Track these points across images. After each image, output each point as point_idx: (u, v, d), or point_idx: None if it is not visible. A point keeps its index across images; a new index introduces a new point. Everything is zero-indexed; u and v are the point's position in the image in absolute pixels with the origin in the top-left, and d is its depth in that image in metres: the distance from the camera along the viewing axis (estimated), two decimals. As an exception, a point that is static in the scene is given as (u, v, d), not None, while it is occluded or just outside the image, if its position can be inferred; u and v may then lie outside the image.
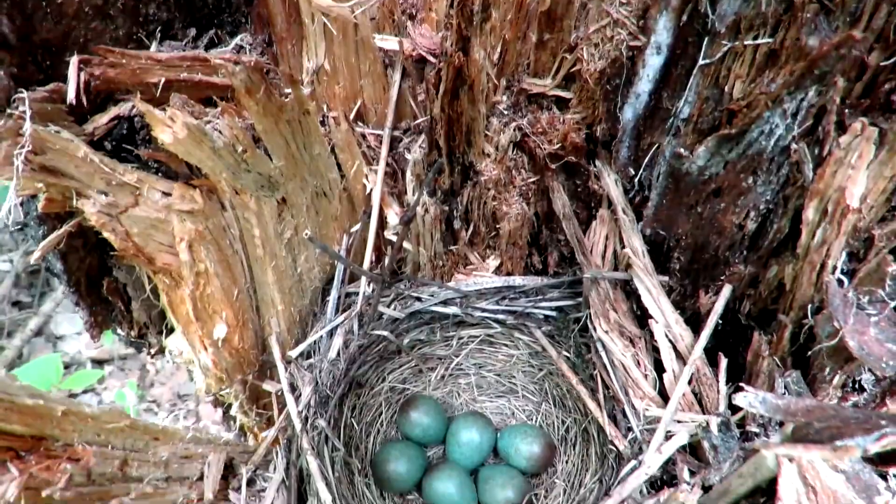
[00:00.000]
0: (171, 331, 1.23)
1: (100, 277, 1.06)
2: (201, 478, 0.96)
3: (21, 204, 0.88)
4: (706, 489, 0.87)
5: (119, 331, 1.19)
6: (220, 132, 0.85)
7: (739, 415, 0.91)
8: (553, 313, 1.15)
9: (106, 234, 0.88)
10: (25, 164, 0.74)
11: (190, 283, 1.01)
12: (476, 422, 1.22)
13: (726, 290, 0.96)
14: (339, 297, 1.23)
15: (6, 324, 3.24)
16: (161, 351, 1.25)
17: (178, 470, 0.93)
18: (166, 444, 0.94)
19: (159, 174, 0.95)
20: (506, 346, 1.26)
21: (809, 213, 0.76)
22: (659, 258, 1.03)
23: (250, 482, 1.04)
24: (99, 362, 3.28)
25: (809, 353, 0.86)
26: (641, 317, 1.07)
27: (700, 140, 0.84)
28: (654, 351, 1.04)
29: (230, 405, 1.35)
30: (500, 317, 1.16)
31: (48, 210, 0.84)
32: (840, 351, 0.80)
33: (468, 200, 1.07)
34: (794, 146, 0.72)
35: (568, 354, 1.12)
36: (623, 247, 1.02)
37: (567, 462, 1.18)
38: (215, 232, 1.00)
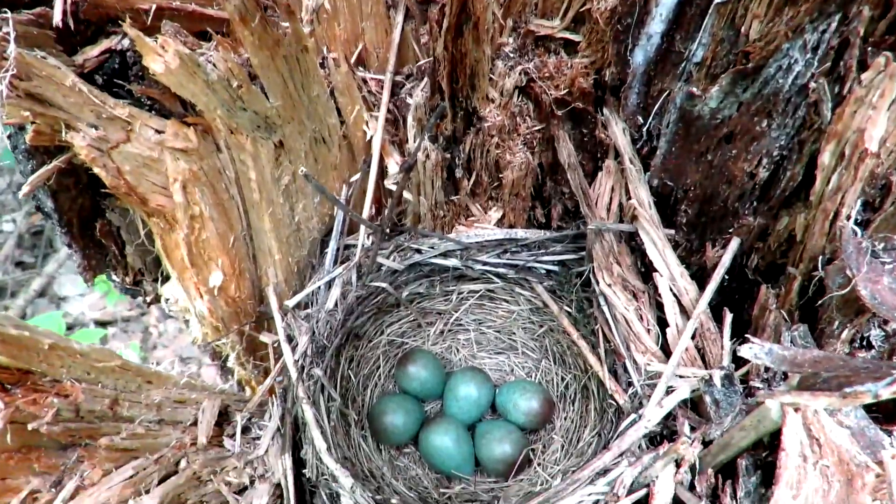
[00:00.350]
0: (166, 278, 1.21)
1: (92, 219, 1.03)
2: (195, 423, 0.95)
3: (9, 137, 0.86)
4: (706, 444, 0.85)
5: (114, 277, 1.17)
6: (214, 65, 0.82)
7: (743, 369, 0.89)
8: (555, 268, 1.13)
9: (96, 170, 0.85)
10: (10, 89, 0.71)
11: (184, 227, 0.99)
12: (474, 377, 1.20)
13: (734, 244, 0.93)
14: (337, 249, 1.21)
15: (9, 284, 3.24)
16: (157, 299, 1.23)
17: (171, 414, 0.92)
18: (159, 388, 0.93)
19: (152, 112, 0.92)
20: (506, 301, 1.24)
21: (825, 158, 0.72)
22: (665, 212, 1.01)
23: (245, 430, 1.03)
24: (102, 324, 3.29)
25: (818, 305, 0.84)
26: (645, 273, 1.05)
27: (713, 85, 0.80)
28: (658, 307, 1.02)
29: (227, 357, 1.35)
30: (501, 270, 1.14)
31: (36, 143, 0.81)
32: (850, 303, 0.78)
33: (471, 148, 1.04)
34: (812, 84, 0.69)
35: (569, 309, 1.10)
36: (629, 198, 1.00)
37: (566, 419, 1.16)
38: (210, 174, 0.97)
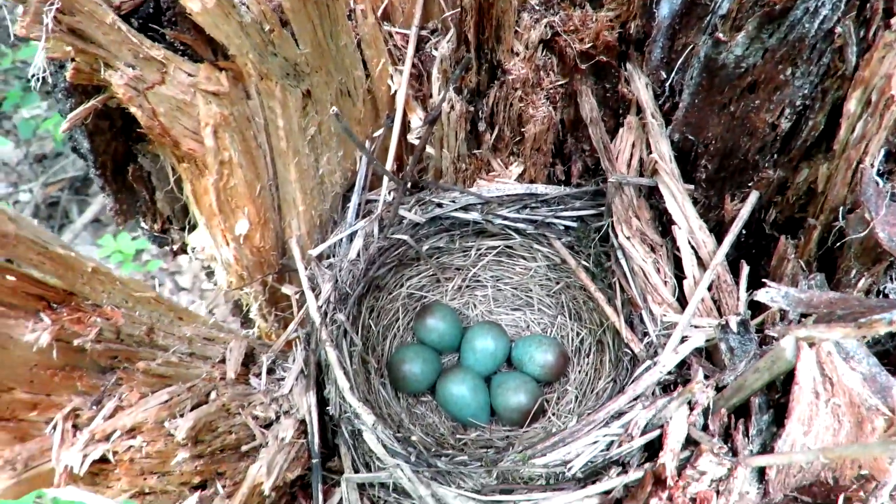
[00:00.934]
0: (193, 227, 1.24)
1: (125, 164, 1.06)
2: (223, 360, 0.98)
3: (50, 76, 0.88)
4: (719, 390, 0.88)
5: (143, 224, 1.20)
6: (248, 7, 0.84)
7: (759, 318, 0.91)
8: (573, 224, 1.15)
9: (133, 110, 0.88)
10: (55, 23, 0.74)
11: (214, 173, 1.02)
12: (491, 330, 1.23)
13: (753, 197, 0.95)
14: (359, 204, 1.23)
15: None
16: (183, 249, 1.26)
17: (202, 349, 0.95)
18: (189, 325, 0.96)
19: (185, 58, 0.94)
20: (524, 258, 1.27)
21: (851, 105, 0.74)
22: (685, 168, 1.02)
23: (270, 371, 1.07)
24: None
25: (836, 256, 0.86)
26: (664, 229, 1.07)
27: (739, 32, 0.81)
28: (675, 261, 1.04)
29: (249, 310, 1.38)
30: (521, 226, 1.16)
31: (76, 80, 0.84)
32: (868, 251, 0.80)
33: (494, 101, 1.06)
34: (839, 28, 0.70)
35: (587, 264, 1.12)
36: (650, 153, 1.01)
37: (580, 372, 1.19)
38: (240, 120, 1.00)
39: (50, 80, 0.87)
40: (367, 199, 1.24)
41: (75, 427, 0.76)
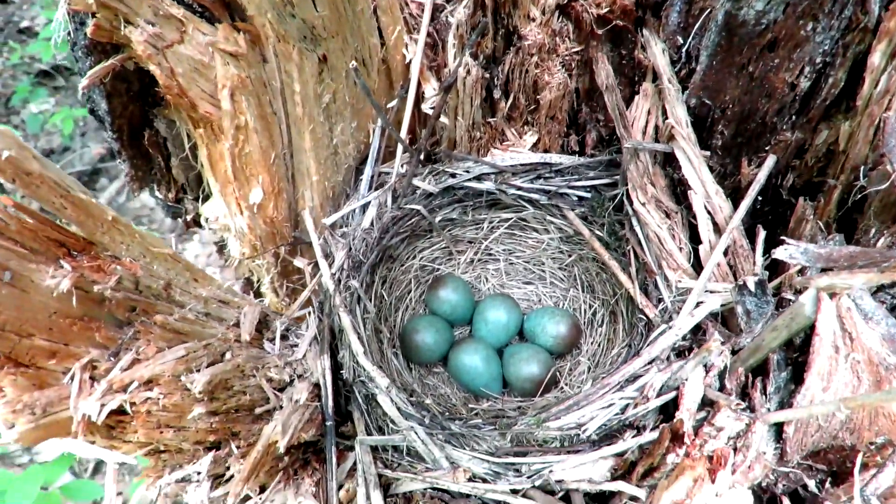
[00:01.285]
0: (206, 198, 1.24)
1: (141, 128, 1.06)
2: (237, 324, 0.99)
3: (69, 34, 0.89)
4: (735, 353, 0.87)
5: (157, 193, 1.20)
6: (266, -35, 0.84)
7: (775, 282, 0.91)
8: (587, 194, 1.14)
9: (152, 68, 0.88)
10: (76, -26, 0.74)
11: (230, 138, 1.02)
12: (504, 302, 1.23)
13: (770, 161, 0.94)
14: (372, 176, 1.23)
15: None
16: (196, 221, 1.26)
17: (217, 310, 0.95)
18: (205, 287, 0.96)
19: (203, 20, 0.95)
20: (536, 231, 1.26)
21: (875, 58, 0.73)
22: (701, 135, 1.02)
23: (283, 337, 1.07)
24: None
25: (854, 217, 0.85)
26: (678, 197, 1.06)
27: None
28: (690, 228, 1.03)
29: (260, 283, 1.38)
30: (534, 196, 1.16)
31: (96, 37, 0.84)
32: (888, 208, 0.79)
33: (510, 68, 1.06)
34: (862, -23, 0.70)
35: (601, 234, 1.12)
36: (666, 119, 1.01)
37: (592, 343, 1.19)
38: (257, 84, 1.00)
39: (70, 37, 0.87)
40: (380, 171, 1.24)
41: (92, 379, 0.76)
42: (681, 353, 0.95)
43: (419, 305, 1.29)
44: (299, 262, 1.25)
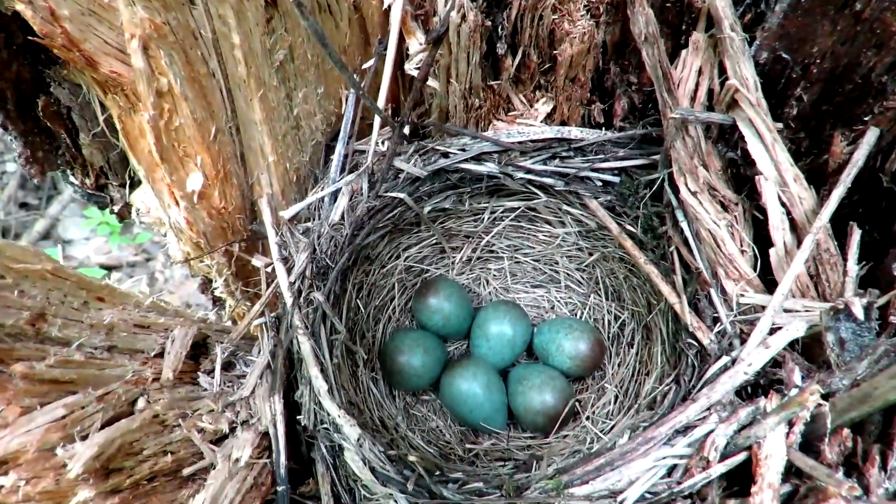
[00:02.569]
0: (137, 184, 1.00)
1: (34, 95, 0.81)
2: (161, 354, 0.75)
3: None
4: (826, 398, 0.64)
5: (72, 178, 0.96)
6: None
7: (881, 300, 0.67)
8: (615, 178, 0.90)
9: (20, 7, 0.63)
10: None
11: (150, 106, 0.77)
12: (509, 312, 0.99)
13: (871, 135, 0.70)
14: (346, 156, 0.99)
15: (12, 225, 3.10)
16: (127, 210, 1.02)
17: (129, 340, 0.71)
18: (114, 308, 0.72)
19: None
20: (549, 223, 1.02)
21: None
22: (769, 101, 0.77)
23: (227, 366, 0.83)
24: (108, 268, 3.14)
25: None
26: (738, 181, 0.82)
27: None
28: (754, 224, 0.79)
29: (215, 286, 1.15)
30: (547, 181, 0.92)
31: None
32: None
33: (518, 14, 0.80)
34: None
35: (633, 229, 0.88)
36: (724, 80, 0.76)
37: (620, 365, 0.96)
38: (181, 34, 0.75)
39: None
40: (355, 149, 1.00)
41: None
42: (739, 392, 0.72)
43: (404, 317, 1.05)
44: (258, 262, 1.01)
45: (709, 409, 0.69)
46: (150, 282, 3.09)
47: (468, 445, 0.91)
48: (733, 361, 0.71)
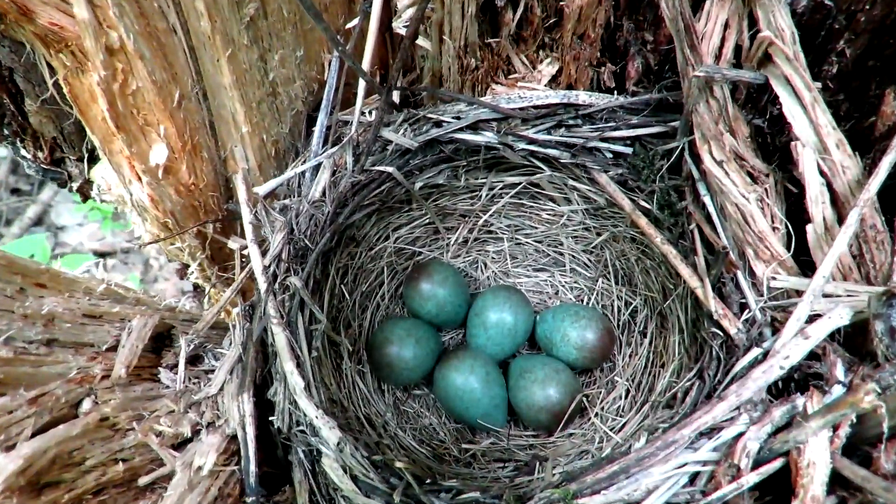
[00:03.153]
0: (98, 158, 0.90)
1: (-34, 54, 0.72)
2: (115, 347, 0.66)
3: None
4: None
5: (23, 151, 0.86)
6: None
7: (940, 284, 0.58)
8: (628, 149, 0.81)
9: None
10: None
11: (99, 65, 0.67)
12: (509, 298, 0.90)
13: (928, 94, 0.61)
14: (328, 126, 0.90)
15: (4, 211, 3.02)
16: (88, 187, 0.92)
17: (74, 333, 0.63)
18: (58, 295, 0.63)
19: None
20: (553, 201, 0.93)
21: None
22: (806, 58, 0.67)
23: (194, 359, 0.75)
24: (101, 255, 3.06)
25: None
26: (768, 150, 0.73)
27: None
28: (786, 197, 0.70)
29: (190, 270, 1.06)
30: (552, 152, 0.82)
31: None
32: None
33: (520, -41, 0.71)
34: None
35: (648, 205, 0.79)
36: (755, 33, 0.66)
37: (632, 355, 0.87)
38: (130, -20, 0.65)
39: None
40: (339, 119, 0.90)
41: None
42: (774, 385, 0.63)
43: (395, 302, 0.96)
44: (234, 244, 0.92)
45: (738, 408, 0.60)
46: (144, 269, 3.00)
47: (464, 445, 0.83)
48: (765, 354, 0.62)
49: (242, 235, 0.93)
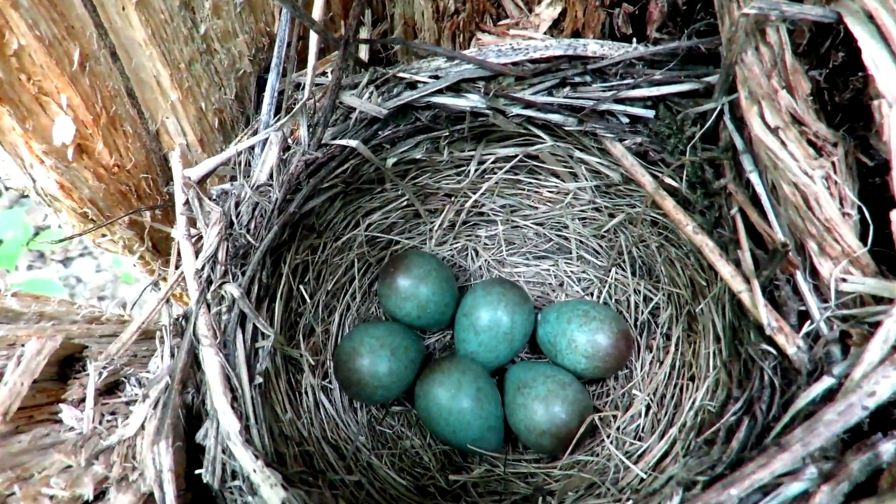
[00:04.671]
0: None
1: None
2: (-2, 383, 0.51)
3: None
4: None
5: None
6: None
7: None
8: (649, 112, 0.64)
9: None
10: None
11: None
12: (504, 294, 0.75)
13: None
14: (280, 92, 0.74)
15: None
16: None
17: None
18: None
19: None
20: (556, 176, 0.77)
21: None
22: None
23: (113, 387, 0.60)
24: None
25: None
26: (827, 112, 0.56)
27: None
28: (861, 178, 0.54)
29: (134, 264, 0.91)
30: (554, 117, 0.66)
31: None
32: None
33: None
34: None
35: (675, 183, 0.63)
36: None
37: (652, 363, 0.72)
38: None
39: None
40: (295, 82, 0.74)
41: None
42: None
43: (368, 302, 0.81)
44: (175, 233, 0.76)
45: (803, 462, 0.45)
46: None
47: (453, 476, 0.69)
48: (839, 384, 0.47)
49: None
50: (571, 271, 0.82)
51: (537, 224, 0.82)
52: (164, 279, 0.93)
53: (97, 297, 2.06)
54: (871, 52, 0.49)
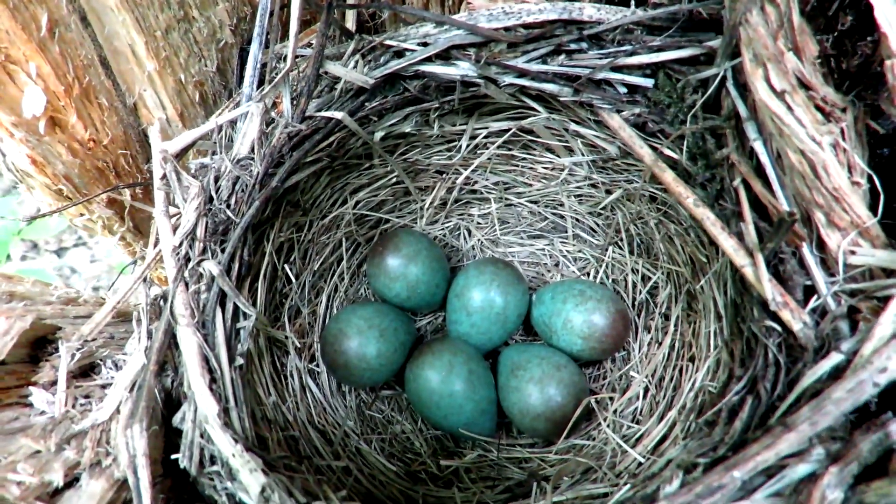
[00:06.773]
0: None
1: None
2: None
3: None
4: None
5: None
6: None
7: None
8: (648, 81, 0.61)
9: None
10: None
11: (-90, -23, 0.48)
12: (497, 274, 0.73)
13: None
14: (264, 64, 0.71)
15: None
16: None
17: None
18: None
19: None
20: (551, 150, 0.74)
21: None
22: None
23: (89, 369, 0.57)
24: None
25: None
26: (845, 80, 0.54)
27: None
28: (870, 144, 0.52)
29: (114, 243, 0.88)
30: (549, 87, 0.63)
31: None
32: None
33: None
34: None
35: (675, 154, 0.60)
36: None
37: (651, 344, 0.70)
38: None
39: None
40: (279, 52, 0.71)
41: None
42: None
43: (358, 282, 0.79)
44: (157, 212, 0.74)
45: (810, 442, 0.43)
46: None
47: (444, 461, 0.66)
48: (848, 361, 0.45)
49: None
50: (567, 251, 0.79)
51: (532, 202, 0.79)
52: (144, 259, 0.91)
53: (92, 287, 2.03)
54: (884, 10, 0.46)
